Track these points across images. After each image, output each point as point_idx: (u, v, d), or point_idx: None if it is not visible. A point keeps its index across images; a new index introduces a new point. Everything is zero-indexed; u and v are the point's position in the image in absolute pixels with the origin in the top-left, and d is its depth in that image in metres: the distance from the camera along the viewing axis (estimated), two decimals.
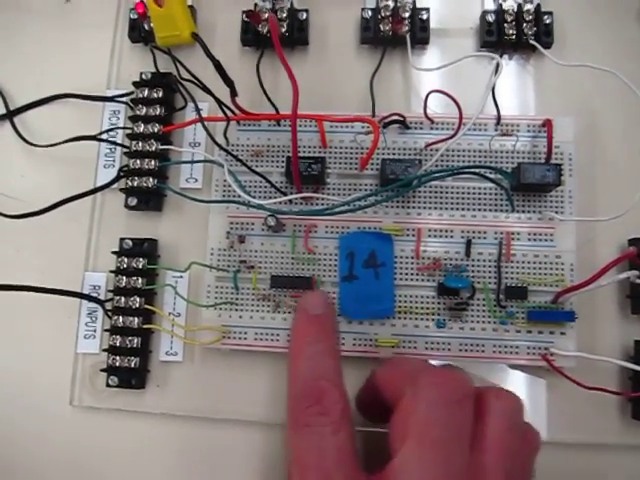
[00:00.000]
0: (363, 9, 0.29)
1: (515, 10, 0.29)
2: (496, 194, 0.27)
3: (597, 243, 0.27)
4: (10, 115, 0.31)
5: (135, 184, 0.28)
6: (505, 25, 0.29)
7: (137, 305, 0.27)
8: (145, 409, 0.28)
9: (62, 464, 0.28)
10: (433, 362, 0.26)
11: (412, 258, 0.27)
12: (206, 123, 0.26)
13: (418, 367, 0.23)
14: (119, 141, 0.30)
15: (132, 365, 0.27)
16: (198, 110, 0.26)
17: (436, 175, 0.25)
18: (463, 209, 0.27)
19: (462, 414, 0.20)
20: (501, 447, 0.20)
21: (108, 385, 0.27)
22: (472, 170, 0.25)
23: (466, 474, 0.19)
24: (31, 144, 0.30)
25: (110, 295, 0.28)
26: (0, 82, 0.32)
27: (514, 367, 0.27)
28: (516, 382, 0.27)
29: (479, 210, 0.27)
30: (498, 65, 0.25)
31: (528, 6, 0.28)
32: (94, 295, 0.29)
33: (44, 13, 0.32)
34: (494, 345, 0.26)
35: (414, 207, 0.27)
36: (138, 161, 0.28)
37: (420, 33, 0.29)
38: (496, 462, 0.19)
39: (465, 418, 0.20)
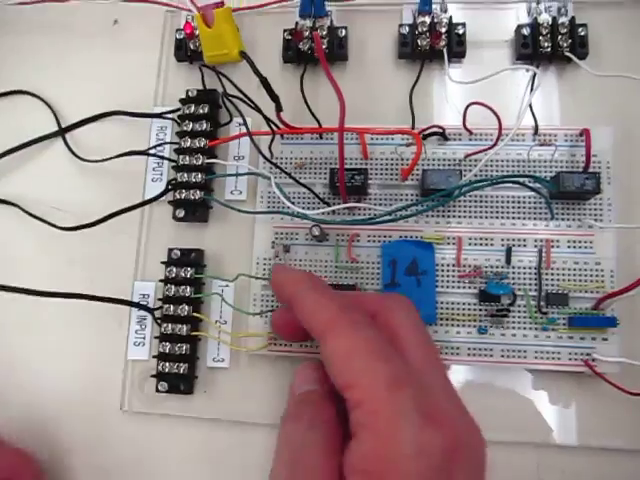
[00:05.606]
0: (400, 25, 0.30)
1: (550, 23, 0.29)
2: (535, 202, 0.28)
3: (637, 249, 0.28)
4: (62, 132, 0.32)
5: (183, 196, 0.29)
6: (540, 38, 0.29)
7: (185, 313, 0.28)
8: (193, 414, 0.29)
9: (112, 467, 0.29)
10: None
11: (453, 266, 0.27)
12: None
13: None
14: (166, 155, 0.31)
15: (181, 371, 0.28)
16: (246, 125, 0.27)
17: (477, 185, 0.25)
18: (503, 217, 0.28)
19: None
20: None
21: (158, 390, 0.28)
22: (513, 179, 0.26)
23: None
24: (82, 159, 0.32)
25: (159, 303, 0.29)
26: (52, 100, 0.33)
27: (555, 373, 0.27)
28: (557, 388, 0.27)
29: (519, 218, 0.28)
30: (535, 77, 0.26)
31: (563, 19, 0.29)
32: (144, 303, 0.30)
33: (94, 34, 0.34)
34: (536, 351, 0.26)
35: (454, 216, 0.28)
36: (185, 174, 0.29)
37: (457, 47, 0.30)
38: None
39: None
